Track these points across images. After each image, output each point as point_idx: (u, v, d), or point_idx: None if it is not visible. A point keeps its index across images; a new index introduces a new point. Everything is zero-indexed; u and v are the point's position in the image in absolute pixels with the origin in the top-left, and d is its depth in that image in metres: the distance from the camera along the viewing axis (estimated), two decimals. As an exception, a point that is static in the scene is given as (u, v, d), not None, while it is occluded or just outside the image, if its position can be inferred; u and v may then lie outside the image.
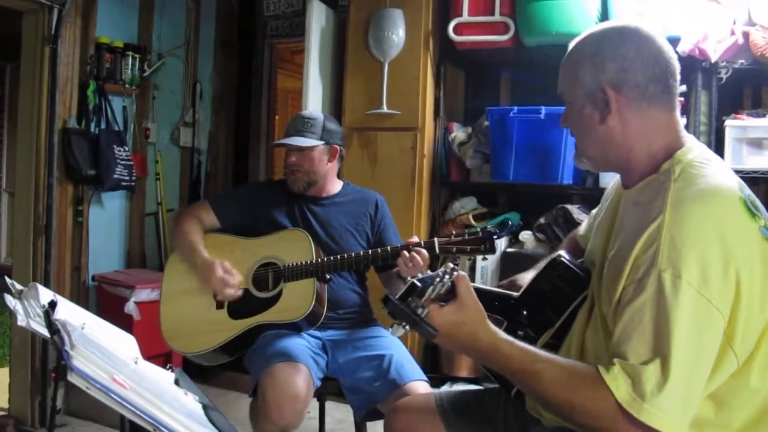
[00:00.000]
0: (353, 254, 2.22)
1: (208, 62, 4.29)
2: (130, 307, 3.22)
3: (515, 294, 1.56)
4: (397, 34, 3.34)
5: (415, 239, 2.17)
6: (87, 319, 1.51)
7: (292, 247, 2.27)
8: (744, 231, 1.14)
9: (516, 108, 3.20)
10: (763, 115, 2.93)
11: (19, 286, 1.61)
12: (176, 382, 1.42)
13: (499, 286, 1.73)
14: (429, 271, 1.24)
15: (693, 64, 2.86)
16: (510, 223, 2.15)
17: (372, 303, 2.47)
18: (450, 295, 1.20)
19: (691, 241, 1.10)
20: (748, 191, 1.22)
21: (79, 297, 3.40)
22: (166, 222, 3.95)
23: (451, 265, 1.21)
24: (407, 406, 1.73)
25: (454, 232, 2.13)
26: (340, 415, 3.09)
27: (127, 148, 3.51)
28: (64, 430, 3.15)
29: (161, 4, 3.88)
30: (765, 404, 1.17)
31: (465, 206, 3.47)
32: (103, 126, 3.45)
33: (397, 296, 1.16)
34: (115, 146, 3.42)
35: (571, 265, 1.46)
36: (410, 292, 1.17)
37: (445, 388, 2.98)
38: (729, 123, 2.88)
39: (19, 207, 3.26)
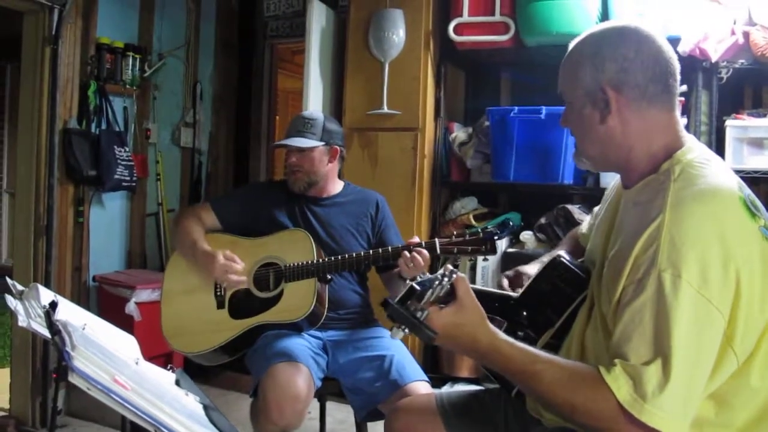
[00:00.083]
0: (354, 254, 2.22)
1: (209, 63, 4.29)
2: (131, 308, 3.22)
3: (515, 295, 1.56)
4: (398, 35, 3.34)
5: (416, 239, 2.17)
6: (88, 319, 1.51)
7: (293, 247, 2.28)
8: (744, 231, 1.14)
9: (516, 108, 3.19)
10: (764, 115, 2.92)
11: (19, 287, 1.61)
12: (177, 383, 1.42)
13: (504, 276, 1.73)
14: (428, 274, 1.24)
15: (693, 64, 2.86)
16: (510, 223, 2.15)
17: (373, 303, 2.47)
18: (449, 297, 1.20)
19: (690, 241, 1.10)
20: (747, 191, 1.22)
21: (80, 297, 3.40)
22: (167, 222, 3.95)
23: (450, 267, 1.21)
24: (408, 407, 1.73)
25: (455, 233, 2.13)
26: (341, 415, 3.10)
27: (127, 149, 3.52)
28: (65, 430, 3.16)
29: (161, 4, 3.88)
30: (765, 404, 1.17)
31: (466, 206, 3.47)
32: (103, 126, 3.45)
33: (396, 300, 1.16)
34: (115, 147, 3.42)
35: (571, 266, 1.46)
36: (409, 296, 1.16)
37: (446, 389, 2.99)
38: (729, 123, 2.88)
39: (20, 208, 3.26)
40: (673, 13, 2.88)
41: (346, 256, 2.22)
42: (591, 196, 3.15)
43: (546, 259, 1.62)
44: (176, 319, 2.33)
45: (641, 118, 1.27)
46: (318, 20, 3.53)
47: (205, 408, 1.35)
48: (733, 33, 2.84)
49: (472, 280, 3.26)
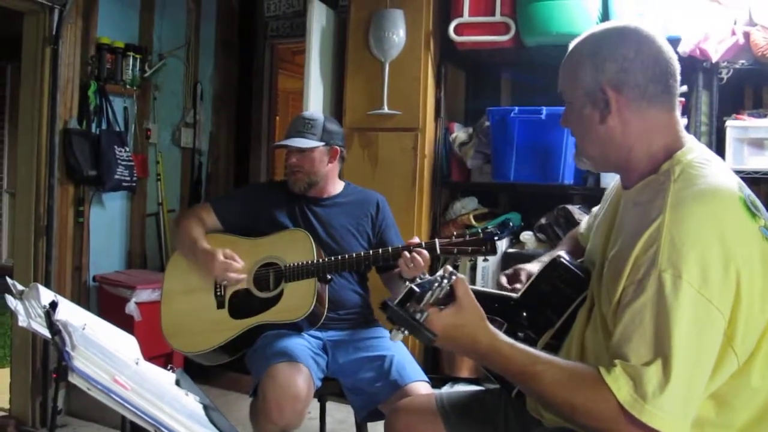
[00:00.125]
0: (354, 255, 2.23)
1: (209, 63, 4.29)
2: (131, 308, 3.22)
3: (515, 295, 1.56)
4: (398, 35, 3.34)
5: (416, 240, 2.17)
6: (88, 319, 1.51)
7: (294, 247, 2.28)
8: (744, 231, 1.14)
9: (517, 108, 3.20)
10: (764, 116, 2.93)
11: (20, 287, 1.61)
12: (177, 383, 1.42)
13: (503, 275, 1.73)
14: (428, 276, 1.23)
15: (694, 64, 2.86)
16: (510, 223, 2.15)
17: (373, 304, 2.47)
18: (449, 298, 1.20)
19: (691, 241, 1.10)
20: (748, 191, 1.22)
21: (80, 298, 3.40)
22: (167, 223, 3.96)
23: (449, 268, 1.21)
24: (408, 407, 1.73)
25: (455, 233, 2.13)
26: (341, 415, 3.10)
27: (128, 149, 3.52)
28: (65, 430, 3.16)
29: (162, 4, 3.88)
30: (766, 404, 1.17)
31: (466, 206, 3.47)
32: (104, 127, 3.45)
33: (395, 302, 1.16)
34: (116, 147, 3.42)
35: (571, 266, 1.46)
36: (409, 298, 1.16)
37: (446, 389, 2.99)
38: (730, 123, 2.88)
39: (20, 208, 3.26)
40: (673, 14, 2.88)
41: (346, 256, 2.22)
42: (591, 197, 3.15)
43: (546, 258, 1.62)
44: (176, 319, 2.33)
45: (641, 119, 1.27)
46: (318, 20, 3.53)
47: (205, 408, 1.35)
48: (733, 33, 2.84)
49: (473, 281, 3.26)
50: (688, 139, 1.30)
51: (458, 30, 3.29)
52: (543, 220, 3.23)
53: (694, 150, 1.27)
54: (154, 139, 3.87)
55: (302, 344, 2.20)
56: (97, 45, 3.41)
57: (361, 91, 3.46)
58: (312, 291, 2.20)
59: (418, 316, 1.15)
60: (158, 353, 3.08)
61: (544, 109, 3.09)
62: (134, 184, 3.55)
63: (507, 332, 1.26)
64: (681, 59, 1.32)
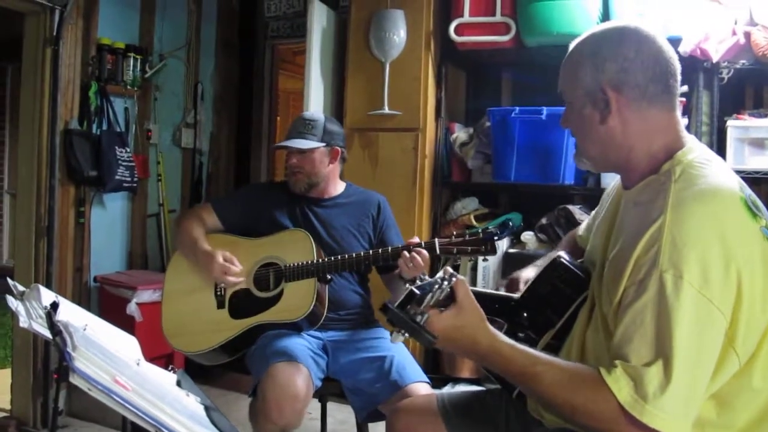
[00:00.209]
0: (354, 254, 2.23)
1: (210, 63, 4.29)
2: (132, 309, 3.22)
3: (515, 296, 1.56)
4: (398, 35, 3.34)
5: (416, 240, 2.17)
6: (89, 320, 1.51)
7: (294, 247, 2.28)
8: (745, 231, 1.14)
9: (517, 108, 3.20)
10: (765, 116, 2.92)
11: (21, 288, 1.61)
12: (178, 384, 1.42)
13: (500, 286, 1.73)
14: (428, 277, 1.23)
15: (694, 64, 2.86)
16: (510, 223, 2.14)
17: (374, 305, 2.47)
18: (449, 300, 1.20)
19: (692, 242, 1.10)
20: (749, 191, 1.22)
21: (81, 298, 3.40)
22: (168, 223, 3.96)
23: (450, 269, 1.21)
24: (409, 407, 1.73)
25: (455, 233, 2.13)
26: (342, 416, 3.09)
27: (128, 150, 3.52)
28: (66, 431, 3.16)
29: (162, 5, 3.89)
30: (767, 405, 1.17)
31: (466, 207, 3.47)
32: (104, 127, 3.45)
33: (395, 304, 1.16)
34: (116, 147, 3.42)
35: (571, 266, 1.46)
36: (409, 300, 1.16)
37: (447, 389, 2.98)
38: (731, 123, 2.88)
39: (21, 208, 3.26)
40: (673, 14, 2.88)
41: (346, 256, 2.22)
42: (592, 197, 3.15)
43: (541, 262, 1.62)
44: (176, 319, 2.33)
45: (641, 119, 1.27)
46: (319, 21, 3.53)
47: (206, 409, 1.35)
48: (734, 33, 2.84)
49: (473, 281, 3.26)
50: (689, 139, 1.30)
51: (459, 30, 3.29)
52: (544, 221, 3.23)
53: (695, 150, 1.27)
54: (154, 139, 3.88)
55: (302, 344, 2.20)
56: (97, 46, 3.42)
57: (361, 91, 3.46)
58: (312, 291, 2.20)
59: (418, 318, 1.15)
60: (159, 354, 3.08)
61: (545, 110, 3.09)
62: (135, 185, 3.55)
63: (507, 333, 1.26)
64: (681, 59, 1.32)
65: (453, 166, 3.51)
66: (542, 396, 1.19)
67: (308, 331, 2.28)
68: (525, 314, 1.49)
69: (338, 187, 2.48)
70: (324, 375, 2.22)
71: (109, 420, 3.06)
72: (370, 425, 2.31)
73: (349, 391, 2.23)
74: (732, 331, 1.11)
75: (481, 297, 1.25)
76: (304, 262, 2.23)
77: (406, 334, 1.14)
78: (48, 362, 3.16)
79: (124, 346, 1.56)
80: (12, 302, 1.53)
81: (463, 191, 3.58)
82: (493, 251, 2.07)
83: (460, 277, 1.21)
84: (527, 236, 3.25)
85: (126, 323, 2.93)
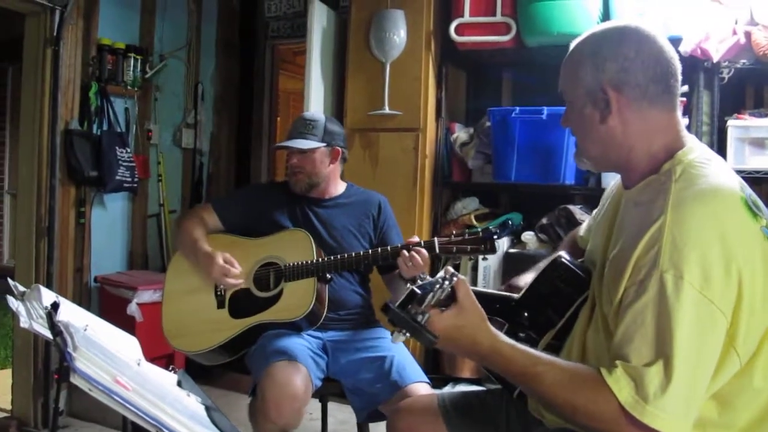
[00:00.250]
0: (353, 254, 2.23)
1: (210, 63, 4.30)
2: (133, 309, 3.23)
3: (516, 296, 1.56)
4: (399, 35, 3.34)
5: (416, 239, 2.17)
6: (89, 320, 1.51)
7: (294, 247, 2.28)
8: (745, 231, 1.14)
9: (518, 108, 3.19)
10: (766, 115, 2.92)
11: (21, 288, 1.61)
12: (179, 384, 1.42)
13: (499, 291, 1.73)
14: (428, 276, 1.23)
15: (695, 64, 2.86)
16: (510, 222, 2.14)
17: (375, 305, 2.47)
18: (450, 300, 1.20)
19: (692, 242, 1.10)
20: (749, 191, 1.22)
21: (82, 298, 3.40)
22: (169, 223, 3.96)
23: (450, 269, 1.21)
24: (410, 407, 1.73)
25: (454, 232, 2.13)
26: (343, 416, 3.09)
27: (129, 150, 3.52)
28: (67, 431, 3.16)
29: (163, 5, 3.89)
30: (768, 404, 1.17)
31: (467, 207, 3.47)
32: (105, 127, 3.45)
33: (396, 304, 1.16)
34: (117, 148, 3.42)
35: (572, 266, 1.46)
36: (410, 300, 1.16)
37: (448, 389, 2.98)
38: (731, 123, 2.87)
39: (22, 209, 3.26)
40: (674, 13, 2.88)
41: (346, 255, 2.23)
42: (592, 197, 3.15)
43: (542, 265, 1.62)
44: (177, 319, 2.34)
45: (642, 119, 1.27)
46: (319, 21, 3.53)
47: (207, 409, 1.35)
48: (734, 33, 2.84)
49: (474, 281, 3.26)
50: (689, 138, 1.30)
51: (459, 30, 3.29)
52: (544, 221, 3.22)
53: (695, 150, 1.27)
54: (155, 139, 3.88)
55: (301, 344, 2.20)
56: (98, 46, 3.42)
57: (361, 91, 3.46)
58: (311, 290, 2.20)
59: (419, 318, 1.15)
60: (160, 354, 3.08)
61: (545, 109, 3.09)
62: (135, 185, 3.55)
63: (508, 333, 1.26)
64: (682, 59, 1.32)
65: (453, 166, 3.51)
66: (543, 396, 1.19)
67: (308, 331, 2.28)
68: (526, 314, 1.49)
69: (339, 188, 2.48)
70: (324, 375, 2.22)
71: (109, 420, 3.06)
72: (371, 425, 2.31)
73: (349, 391, 2.23)
74: (733, 330, 1.11)
75: (481, 297, 1.25)
76: (304, 262, 2.23)
77: (407, 334, 1.14)
78: (49, 362, 3.16)
79: (125, 346, 1.56)
80: (13, 302, 1.53)
81: (463, 191, 3.58)
82: (493, 250, 2.07)
83: (461, 276, 1.21)
84: (528, 236, 3.25)
85: (126, 323, 2.93)
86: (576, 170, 3.15)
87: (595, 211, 1.63)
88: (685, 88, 2.81)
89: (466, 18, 3.27)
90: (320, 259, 2.23)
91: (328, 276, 2.25)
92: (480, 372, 3.27)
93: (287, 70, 5.54)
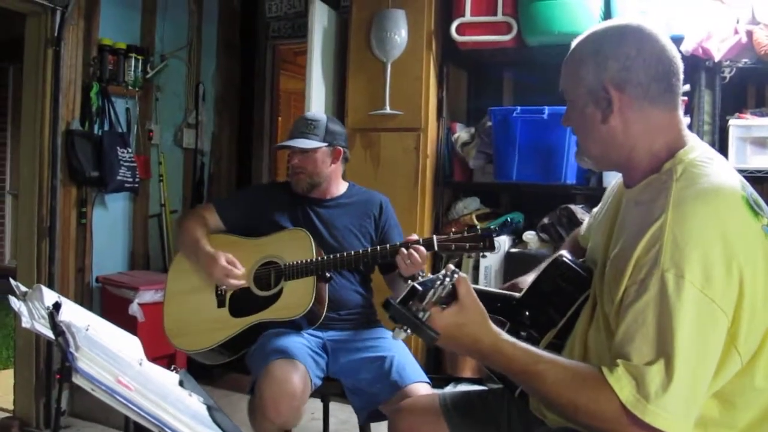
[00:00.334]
0: (352, 252, 2.23)
1: (211, 64, 4.30)
2: (134, 309, 3.23)
3: (517, 295, 1.56)
4: (400, 35, 3.34)
5: (415, 237, 2.17)
6: (91, 320, 1.51)
7: (293, 246, 2.28)
8: (747, 230, 1.14)
9: (519, 108, 3.19)
10: (767, 114, 2.92)
11: (23, 288, 1.61)
12: (181, 384, 1.42)
13: (501, 290, 1.73)
14: (429, 274, 1.23)
15: (696, 63, 2.86)
16: (509, 220, 2.15)
17: (376, 305, 2.47)
18: (451, 297, 1.20)
19: (693, 241, 1.10)
20: (750, 190, 1.22)
21: (83, 299, 3.40)
22: (170, 223, 3.96)
23: (452, 267, 1.21)
24: (411, 407, 1.73)
25: (453, 230, 2.13)
26: (344, 416, 3.09)
27: (130, 150, 3.52)
28: (69, 431, 3.16)
29: (163, 6, 3.89)
30: (770, 404, 1.17)
31: (468, 206, 3.47)
32: (106, 128, 3.46)
33: (397, 300, 1.16)
34: (118, 148, 3.42)
35: (573, 265, 1.46)
36: (411, 296, 1.16)
37: (449, 389, 2.98)
38: (733, 122, 2.87)
39: (23, 209, 3.26)
40: (676, 12, 2.88)
41: (345, 254, 2.23)
42: (594, 196, 3.14)
43: (544, 265, 1.61)
44: (178, 318, 2.34)
45: (643, 118, 1.26)
46: (320, 21, 3.53)
47: (209, 409, 1.35)
48: (736, 32, 2.83)
49: (475, 280, 3.26)
50: (691, 137, 1.30)
51: (460, 30, 3.29)
52: (545, 220, 3.22)
53: (697, 149, 1.26)
54: (156, 140, 3.88)
55: (300, 342, 2.20)
56: (99, 46, 3.42)
57: (362, 91, 3.46)
58: (311, 289, 2.20)
59: (420, 314, 1.14)
60: (161, 354, 3.08)
61: (547, 109, 3.09)
62: (137, 185, 3.55)
63: (509, 331, 1.26)
64: (683, 58, 1.31)
65: (455, 165, 3.51)
66: (544, 395, 1.19)
67: (308, 331, 2.28)
68: (527, 313, 1.49)
69: (340, 188, 2.48)
70: (324, 374, 2.22)
71: (111, 420, 3.06)
72: (373, 425, 2.31)
73: (349, 391, 2.23)
74: (734, 330, 1.11)
75: (483, 295, 1.25)
76: (303, 261, 2.24)
77: (408, 331, 1.14)
78: (50, 363, 3.16)
79: (127, 346, 1.56)
80: (14, 303, 1.53)
81: (464, 191, 3.58)
82: (492, 248, 2.07)
83: (462, 274, 1.21)
84: (529, 236, 3.25)
85: (128, 323, 2.94)
86: (577, 170, 3.15)
87: (595, 210, 1.63)
88: (687, 87, 2.81)
89: (467, 17, 3.27)
90: (319, 258, 2.23)
91: (328, 275, 2.25)
92: (481, 371, 3.27)
93: (288, 70, 5.54)
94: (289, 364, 2.08)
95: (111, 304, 3.39)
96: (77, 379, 1.10)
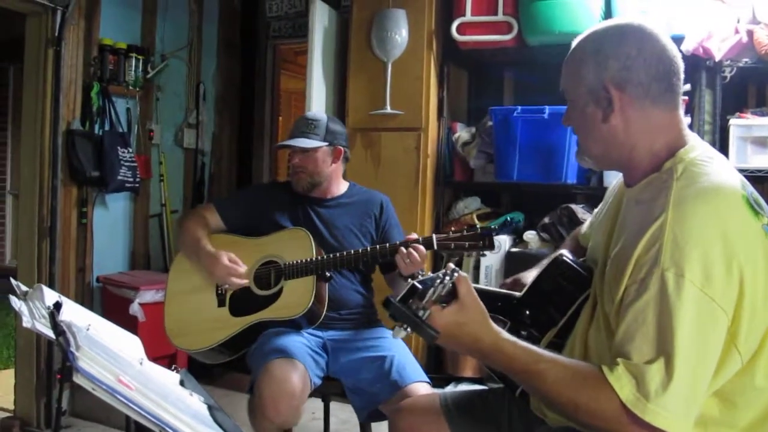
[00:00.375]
0: (352, 251, 2.23)
1: (211, 63, 4.30)
2: (135, 309, 3.23)
3: (518, 294, 1.56)
4: (400, 34, 3.34)
5: (414, 236, 2.17)
6: (92, 320, 1.51)
7: (293, 245, 2.28)
8: (747, 229, 1.14)
9: (520, 107, 3.19)
10: (767, 114, 2.92)
11: (24, 288, 1.61)
12: (181, 383, 1.42)
13: (502, 285, 1.73)
14: (429, 272, 1.23)
15: (697, 62, 2.86)
16: (509, 218, 2.15)
17: (377, 304, 2.47)
18: (451, 296, 1.20)
19: (693, 240, 1.10)
20: (751, 189, 1.22)
21: (84, 298, 3.40)
22: (170, 223, 3.96)
23: (452, 266, 1.21)
24: (412, 407, 1.73)
25: (452, 229, 2.13)
26: (345, 415, 3.09)
27: (130, 150, 3.52)
28: (70, 431, 3.16)
29: (164, 5, 3.89)
30: (770, 403, 1.17)
31: (469, 206, 3.47)
32: (106, 128, 3.45)
33: (397, 298, 1.15)
34: (119, 148, 3.42)
35: (573, 264, 1.46)
36: (411, 294, 1.16)
37: (450, 389, 2.98)
38: (733, 122, 2.87)
39: (24, 209, 3.27)
40: (676, 12, 2.88)
41: (344, 253, 2.23)
42: (594, 196, 3.14)
43: (545, 262, 1.62)
44: (179, 318, 2.35)
45: (644, 117, 1.26)
46: (320, 20, 3.53)
47: (210, 408, 1.34)
48: (737, 31, 2.83)
49: (476, 280, 3.26)
50: (691, 137, 1.30)
51: (461, 29, 3.29)
52: (546, 220, 3.22)
53: (697, 148, 1.26)
54: (156, 139, 3.88)
55: (300, 342, 2.20)
56: (99, 46, 3.42)
57: (363, 91, 3.46)
58: (310, 288, 2.21)
59: (420, 313, 1.14)
60: (162, 354, 3.08)
61: (547, 108, 3.09)
62: (137, 185, 3.55)
63: (510, 331, 1.26)
64: (684, 57, 1.31)
65: (455, 165, 3.51)
66: (545, 394, 1.19)
67: (308, 330, 2.28)
68: (527, 312, 1.49)
69: (341, 187, 2.48)
70: (324, 374, 2.22)
71: (112, 420, 3.06)
72: (374, 425, 2.31)
73: (349, 390, 2.23)
74: (734, 329, 1.11)
75: (483, 294, 1.25)
76: (303, 260, 2.24)
77: (408, 329, 1.14)
78: (51, 362, 3.16)
79: (127, 345, 1.56)
80: (15, 302, 1.53)
81: (465, 191, 3.58)
82: (491, 246, 2.07)
83: (462, 273, 1.21)
84: (530, 235, 3.25)
85: (129, 323, 2.94)
86: (578, 169, 3.15)
87: (597, 208, 1.63)
88: (687, 87, 2.81)
89: (468, 17, 3.27)
90: (319, 257, 2.24)
91: (328, 274, 2.25)
92: (482, 371, 3.27)
93: (289, 70, 5.54)
94: (288, 364, 2.08)
95: (112, 304, 3.40)
96: (78, 379, 1.10)
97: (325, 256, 2.24)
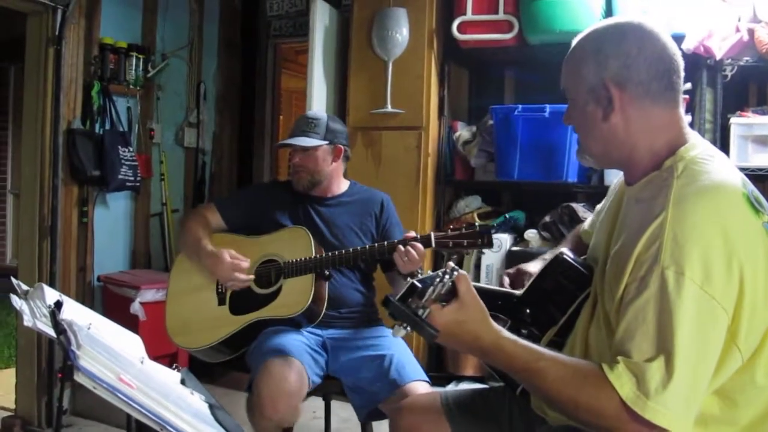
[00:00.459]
0: (351, 249, 2.23)
1: (212, 63, 4.30)
2: (136, 308, 3.23)
3: (518, 292, 1.56)
4: (401, 33, 3.34)
5: (412, 234, 2.17)
6: (93, 319, 1.51)
7: (293, 244, 2.29)
8: (747, 227, 1.14)
9: (520, 106, 3.19)
10: (768, 113, 2.92)
11: (24, 287, 1.62)
12: (182, 382, 1.42)
13: (505, 274, 1.73)
14: (429, 271, 1.23)
15: (698, 61, 2.85)
16: (508, 216, 2.15)
17: (377, 303, 2.47)
18: (451, 295, 1.20)
19: (694, 238, 1.10)
20: (751, 187, 1.22)
21: (85, 298, 3.41)
22: (171, 222, 3.96)
23: (451, 264, 1.21)
24: (412, 406, 1.73)
25: (451, 227, 2.13)
26: (345, 414, 3.09)
27: (131, 149, 3.52)
28: (71, 430, 3.16)
29: (165, 5, 3.89)
30: (771, 402, 1.17)
31: (469, 205, 3.47)
32: (107, 127, 3.45)
33: (397, 297, 1.15)
34: (119, 147, 3.42)
35: (574, 263, 1.46)
36: (411, 293, 1.16)
37: (451, 387, 2.99)
38: (734, 121, 2.87)
39: (25, 208, 3.27)
40: (677, 10, 2.88)
41: (344, 251, 2.23)
42: (595, 194, 3.14)
43: (548, 256, 1.62)
44: (179, 317, 2.36)
45: (644, 116, 1.26)
46: (321, 19, 3.53)
47: (211, 407, 1.35)
48: (737, 30, 2.83)
49: (476, 278, 3.26)
50: (692, 135, 1.30)
51: (461, 28, 3.29)
52: (547, 218, 3.22)
53: (698, 146, 1.26)
54: (157, 139, 3.88)
55: (299, 340, 2.21)
56: (100, 45, 3.42)
57: (364, 90, 3.46)
58: (309, 287, 2.21)
59: (420, 312, 1.14)
60: (163, 353, 3.09)
61: (548, 107, 3.09)
62: (138, 184, 3.55)
63: (510, 329, 1.26)
64: (685, 56, 1.31)
65: (456, 164, 3.51)
66: (545, 392, 1.19)
67: (308, 329, 2.29)
68: (528, 311, 1.49)
69: (342, 186, 2.48)
70: (323, 372, 2.23)
71: (113, 419, 3.06)
72: (375, 424, 2.31)
73: (349, 389, 2.23)
74: (734, 327, 1.11)
75: (483, 293, 1.25)
76: (302, 258, 2.24)
77: (408, 328, 1.14)
78: (52, 361, 3.17)
79: (128, 344, 1.56)
80: (16, 301, 1.54)
81: (466, 189, 3.58)
82: (490, 244, 2.08)
83: (462, 271, 1.21)
84: (530, 234, 3.25)
85: (130, 322, 2.94)
86: (579, 168, 3.15)
87: (599, 206, 1.63)
88: (688, 85, 2.81)
89: (469, 16, 3.27)
90: (318, 256, 2.24)
91: (327, 273, 2.25)
92: (483, 370, 3.28)
93: (289, 69, 5.54)
94: (286, 362, 2.08)
95: (112, 303, 3.40)
96: (79, 377, 1.10)
97: (323, 255, 2.24)
